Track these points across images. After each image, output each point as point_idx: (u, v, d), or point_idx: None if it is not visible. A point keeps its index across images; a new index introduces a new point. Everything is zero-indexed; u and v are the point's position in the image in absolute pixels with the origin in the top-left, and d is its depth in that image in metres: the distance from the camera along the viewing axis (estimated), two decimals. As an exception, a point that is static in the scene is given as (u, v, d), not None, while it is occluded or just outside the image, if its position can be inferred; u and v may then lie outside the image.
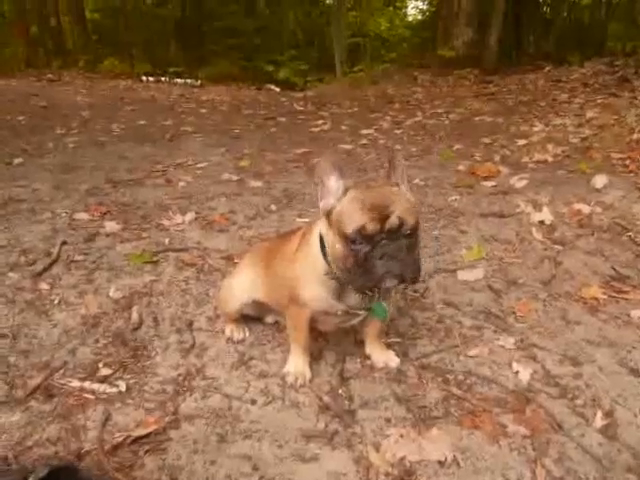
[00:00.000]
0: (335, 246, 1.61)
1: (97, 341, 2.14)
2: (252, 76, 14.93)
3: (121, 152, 5.39)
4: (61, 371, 1.94)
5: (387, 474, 1.52)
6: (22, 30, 14.34)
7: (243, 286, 2.12)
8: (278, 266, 1.95)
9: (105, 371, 1.95)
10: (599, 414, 1.76)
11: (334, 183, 1.64)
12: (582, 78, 8.73)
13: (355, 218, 1.55)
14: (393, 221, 1.52)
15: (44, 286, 2.55)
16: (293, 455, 1.59)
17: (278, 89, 13.47)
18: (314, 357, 2.04)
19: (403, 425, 1.71)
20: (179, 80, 14.47)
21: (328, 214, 1.65)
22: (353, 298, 1.74)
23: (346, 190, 1.63)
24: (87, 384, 1.86)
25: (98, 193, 4.01)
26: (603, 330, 2.27)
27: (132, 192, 4.02)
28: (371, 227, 1.52)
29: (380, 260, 1.53)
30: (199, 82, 14.36)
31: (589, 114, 6.00)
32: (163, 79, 14.67)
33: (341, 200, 1.62)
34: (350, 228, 1.54)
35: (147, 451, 1.59)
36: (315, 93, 11.46)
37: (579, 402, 1.83)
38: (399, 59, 14.43)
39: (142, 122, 7.23)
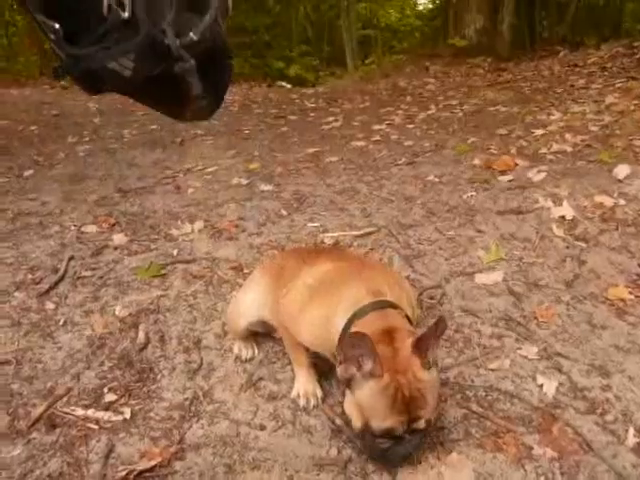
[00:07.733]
0: (354, 413, 1.50)
1: (102, 364, 2.07)
2: (263, 74, 14.88)
3: (131, 159, 5.33)
4: (65, 398, 1.88)
5: (405, 506, 1.43)
6: (34, 40, 14.33)
7: (252, 304, 2.03)
8: (287, 293, 1.82)
9: (110, 397, 1.88)
10: (631, 431, 1.65)
11: (366, 363, 1.42)
12: (599, 62, 8.49)
13: (383, 416, 1.42)
14: (420, 425, 1.44)
15: (50, 306, 2.49)
16: (304, 487, 1.50)
17: (289, 86, 13.40)
18: (324, 374, 1.95)
19: (421, 449, 1.61)
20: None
21: (348, 381, 1.48)
22: None
23: (375, 375, 1.41)
24: (91, 412, 1.80)
25: (107, 203, 3.96)
26: (632, 335, 2.14)
27: (141, 201, 3.96)
28: (399, 430, 1.43)
29: (395, 455, 1.50)
30: (210, 82, 14.33)
31: (608, 99, 5.80)
32: (174, 81, 14.66)
33: (368, 382, 1.42)
34: (375, 424, 1.44)
35: (151, 486, 1.51)
36: (326, 89, 11.33)
37: (609, 418, 1.72)
38: (411, 50, 14.24)
39: (153, 127, 7.16)
